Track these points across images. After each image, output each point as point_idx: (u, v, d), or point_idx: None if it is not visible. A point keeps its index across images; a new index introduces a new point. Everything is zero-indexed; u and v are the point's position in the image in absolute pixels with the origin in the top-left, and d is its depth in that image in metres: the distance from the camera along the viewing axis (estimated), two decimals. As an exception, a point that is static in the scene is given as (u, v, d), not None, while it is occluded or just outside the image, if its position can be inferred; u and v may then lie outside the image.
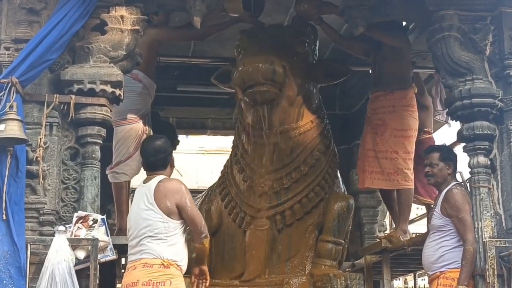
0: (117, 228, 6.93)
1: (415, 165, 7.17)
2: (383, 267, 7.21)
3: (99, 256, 5.14)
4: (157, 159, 5.30)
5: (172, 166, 5.41)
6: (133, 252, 5.14)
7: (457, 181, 6.00)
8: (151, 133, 7.11)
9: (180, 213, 5.12)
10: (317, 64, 7.16)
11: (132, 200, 5.60)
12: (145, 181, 5.32)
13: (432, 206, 6.16)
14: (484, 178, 5.89)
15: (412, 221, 9.16)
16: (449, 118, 6.82)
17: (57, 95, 5.47)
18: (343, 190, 7.32)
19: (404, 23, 7.39)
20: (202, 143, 15.14)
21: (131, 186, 7.31)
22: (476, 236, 5.78)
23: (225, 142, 12.10)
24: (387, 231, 9.04)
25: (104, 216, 5.34)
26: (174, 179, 5.33)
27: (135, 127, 6.83)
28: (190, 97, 9.55)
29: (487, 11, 6.06)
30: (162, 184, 5.18)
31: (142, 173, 7.15)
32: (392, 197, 7.38)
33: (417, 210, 11.84)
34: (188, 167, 15.03)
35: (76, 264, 5.04)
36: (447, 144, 6.94)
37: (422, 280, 11.40)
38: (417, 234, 7.11)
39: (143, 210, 5.13)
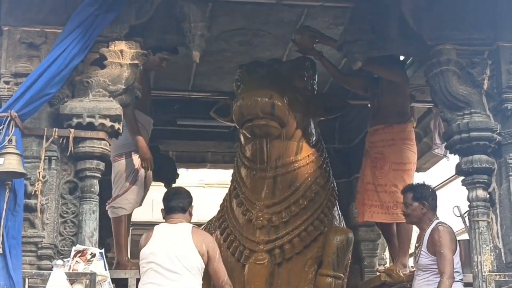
0: (116, 262, 6.89)
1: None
2: (382, 301, 7.15)
3: (97, 290, 5.10)
4: (180, 201, 5.70)
5: (191, 214, 5.77)
6: (163, 283, 5.36)
7: (439, 218, 6.00)
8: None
9: (207, 262, 5.53)
10: (316, 98, 7.15)
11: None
12: (170, 222, 5.63)
13: (416, 245, 6.14)
14: (483, 211, 5.86)
15: (412, 255, 9.09)
16: (448, 151, 6.81)
17: (56, 129, 5.48)
18: (342, 223, 7.29)
19: (401, 58, 7.41)
20: (202, 177, 15.12)
21: (132, 220, 7.30)
22: (476, 270, 5.75)
23: (225, 176, 12.06)
24: (387, 265, 8.97)
25: (103, 250, 5.30)
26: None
27: (131, 161, 6.83)
28: (190, 131, 9.54)
29: (484, 46, 6.08)
30: (197, 230, 5.66)
31: (142, 207, 7.21)
32: (391, 231, 7.34)
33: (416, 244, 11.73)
34: (188, 201, 14.96)
35: (73, 299, 5.00)
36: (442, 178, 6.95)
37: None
38: None
39: (179, 247, 5.45)
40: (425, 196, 6.05)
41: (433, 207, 6.06)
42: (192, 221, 5.79)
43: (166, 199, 5.78)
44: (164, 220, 5.74)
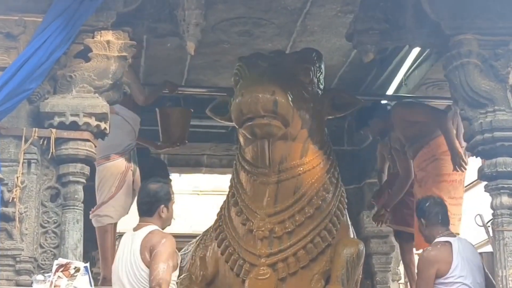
0: (102, 277, 6.92)
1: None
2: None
3: (81, 308, 5.11)
4: (142, 203, 5.39)
5: (161, 217, 5.39)
6: None
7: (449, 235, 6.10)
8: (137, 171, 7.15)
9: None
10: (323, 94, 7.14)
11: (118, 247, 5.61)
12: (135, 229, 5.39)
13: None
14: (508, 220, 5.87)
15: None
16: (469, 154, 6.85)
17: (36, 129, 5.51)
18: (352, 234, 7.30)
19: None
20: (196, 183, 15.13)
21: (117, 231, 7.31)
22: (500, 286, 5.76)
23: (222, 181, 12.09)
24: (401, 281, 8.99)
25: (88, 264, 5.31)
26: (164, 232, 5.36)
27: (117, 164, 6.87)
28: (183, 132, 9.55)
29: (509, 35, 6.10)
30: (151, 234, 5.24)
31: (129, 216, 7.23)
32: None
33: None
34: (181, 209, 14.98)
35: (55, 317, 5.02)
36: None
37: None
38: None
39: (127, 263, 5.23)
40: (422, 211, 6.22)
41: (435, 222, 6.16)
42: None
43: (137, 198, 5.52)
44: None
